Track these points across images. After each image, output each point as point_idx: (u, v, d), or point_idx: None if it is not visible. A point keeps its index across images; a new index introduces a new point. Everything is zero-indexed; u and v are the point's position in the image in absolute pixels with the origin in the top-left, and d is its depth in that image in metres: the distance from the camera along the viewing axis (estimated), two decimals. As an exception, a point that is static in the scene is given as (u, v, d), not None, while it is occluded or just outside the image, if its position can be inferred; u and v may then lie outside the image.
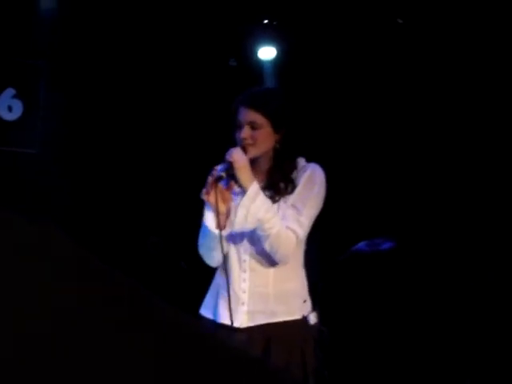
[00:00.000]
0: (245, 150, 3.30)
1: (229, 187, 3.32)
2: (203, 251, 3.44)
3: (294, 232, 3.25)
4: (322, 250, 5.01)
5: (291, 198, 3.32)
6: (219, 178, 3.22)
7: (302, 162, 3.41)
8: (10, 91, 5.53)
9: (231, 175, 3.29)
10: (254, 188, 3.24)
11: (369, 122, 5.79)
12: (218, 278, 3.44)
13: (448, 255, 4.69)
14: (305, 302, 3.34)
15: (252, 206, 3.22)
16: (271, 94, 3.42)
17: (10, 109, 5.51)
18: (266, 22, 5.78)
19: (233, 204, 3.37)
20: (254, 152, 3.33)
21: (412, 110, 5.69)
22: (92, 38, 5.61)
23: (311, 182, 3.33)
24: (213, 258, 3.43)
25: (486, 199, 5.39)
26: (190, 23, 5.68)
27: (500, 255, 5.12)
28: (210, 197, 3.27)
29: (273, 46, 5.84)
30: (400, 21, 5.65)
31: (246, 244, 3.35)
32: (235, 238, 3.36)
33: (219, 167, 3.28)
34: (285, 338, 3.24)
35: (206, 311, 3.40)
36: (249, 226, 3.27)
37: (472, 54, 5.44)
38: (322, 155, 5.80)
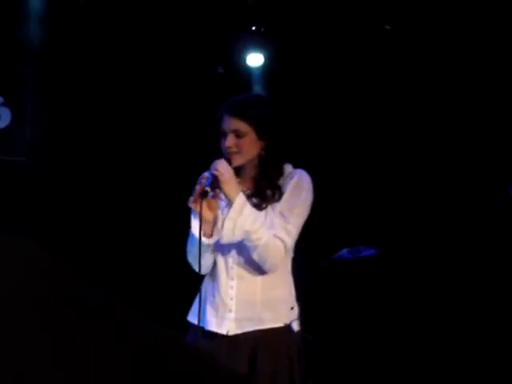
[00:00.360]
0: (230, 158, 3.31)
1: (215, 195, 3.32)
2: (191, 259, 3.45)
3: (283, 241, 3.25)
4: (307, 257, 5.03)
5: (279, 206, 3.32)
6: (205, 193, 3.22)
7: (288, 168, 3.41)
8: (-2, 99, 5.53)
9: (217, 187, 3.29)
10: (239, 200, 3.24)
11: (356, 128, 5.80)
12: (206, 285, 3.44)
13: (431, 261, 4.71)
14: (292, 308, 3.34)
15: (239, 219, 3.22)
16: (254, 101, 3.42)
17: (-2, 117, 5.51)
18: (253, 28, 5.79)
19: (220, 213, 3.37)
20: (239, 160, 3.33)
21: (398, 118, 5.70)
22: (80, 45, 5.60)
23: (298, 189, 3.33)
24: (201, 266, 3.43)
25: (468, 205, 5.40)
26: (177, 30, 5.68)
27: (484, 259, 5.14)
28: (196, 205, 3.27)
29: (261, 52, 5.84)
30: (388, 27, 5.66)
31: (233, 252, 3.35)
32: (223, 246, 3.36)
33: (206, 173, 3.28)
34: (272, 345, 3.24)
35: (193, 318, 3.40)
36: (236, 239, 3.27)
37: (468, 54, 5.46)
38: (306, 161, 5.81)
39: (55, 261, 0.77)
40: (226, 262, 3.36)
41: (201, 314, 3.36)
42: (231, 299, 3.31)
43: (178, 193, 4.30)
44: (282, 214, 3.30)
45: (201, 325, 3.34)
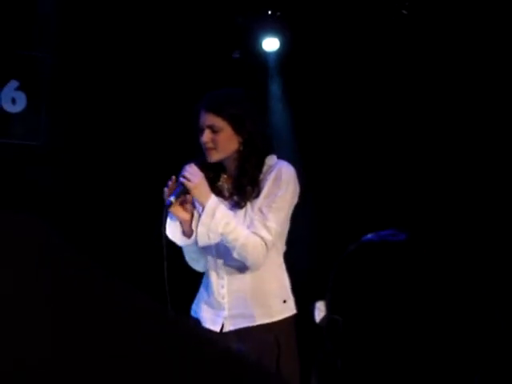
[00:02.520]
0: (207, 154, 3.29)
1: (186, 201, 3.32)
2: (188, 259, 3.47)
3: (262, 238, 3.23)
4: (331, 241, 5.00)
5: (258, 202, 3.30)
6: (169, 206, 3.22)
7: (271, 160, 3.36)
8: (14, 83, 5.52)
9: (187, 193, 3.28)
10: (211, 204, 3.23)
11: (377, 112, 5.77)
12: (203, 283, 3.47)
13: (461, 249, 4.67)
14: (285, 302, 3.34)
15: (212, 223, 3.21)
16: (231, 95, 3.38)
17: (13, 101, 5.51)
18: (269, 13, 5.76)
19: (196, 212, 3.36)
20: (216, 156, 3.31)
21: (420, 101, 5.67)
22: (96, 29, 5.60)
23: (276, 183, 3.29)
24: (198, 266, 3.47)
25: (497, 192, 5.37)
26: (192, 16, 5.67)
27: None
28: (174, 209, 3.29)
29: (276, 37, 5.82)
30: (405, 12, 5.63)
31: (220, 251, 3.36)
32: (210, 246, 3.36)
33: (173, 177, 3.27)
34: (261, 340, 3.25)
35: (193, 313, 3.44)
36: (212, 242, 3.27)
37: (473, 50, 5.42)
38: (327, 146, 5.81)
39: (60, 239, 0.76)
40: (215, 262, 3.38)
41: (198, 310, 3.40)
42: (223, 298, 3.34)
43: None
44: (260, 211, 3.28)
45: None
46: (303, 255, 3.49)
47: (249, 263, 3.26)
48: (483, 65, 5.44)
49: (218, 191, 3.36)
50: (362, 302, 1.22)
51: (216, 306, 3.35)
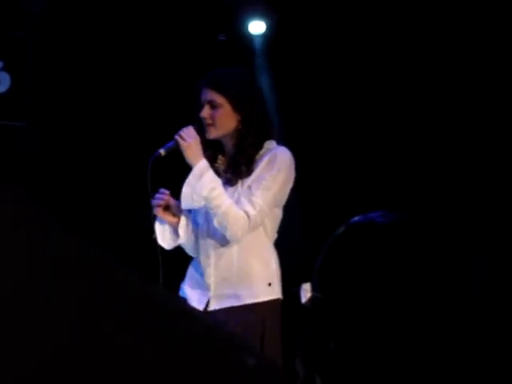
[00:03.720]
0: (205, 130, 3.31)
1: (173, 205, 3.35)
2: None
3: (246, 212, 3.25)
4: (319, 224, 5.01)
5: (248, 180, 3.31)
6: (156, 157, 3.24)
7: (270, 144, 3.38)
8: (-2, 64, 5.49)
9: (177, 150, 3.31)
10: (200, 165, 3.25)
11: (364, 94, 5.76)
12: (193, 262, 3.49)
13: (450, 230, 4.69)
14: (270, 285, 3.35)
15: (197, 185, 3.23)
16: (232, 73, 3.41)
17: (-3, 81, 5.48)
18: (255, -5, 5.74)
19: (183, 217, 3.41)
20: (214, 133, 3.33)
21: (409, 84, 5.67)
22: (81, 10, 5.56)
23: (270, 164, 3.30)
24: (191, 252, 3.50)
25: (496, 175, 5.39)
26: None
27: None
28: (162, 213, 3.32)
29: (262, 20, 5.80)
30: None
31: (208, 231, 3.37)
32: (198, 226, 3.39)
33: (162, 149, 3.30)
34: (246, 320, 3.26)
35: (181, 293, 3.46)
36: (195, 205, 3.28)
37: (471, 44, 5.43)
38: (314, 129, 5.79)
39: (44, 213, 0.75)
40: (203, 242, 3.39)
41: (185, 289, 3.42)
42: (209, 277, 3.35)
43: (179, 159, 4.25)
44: (249, 187, 3.29)
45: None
46: (291, 239, 3.49)
47: (228, 234, 3.28)
48: (476, 57, 5.44)
49: (213, 171, 3.37)
50: (351, 283, 1.22)
51: (203, 286, 3.37)
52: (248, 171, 3.32)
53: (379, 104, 5.72)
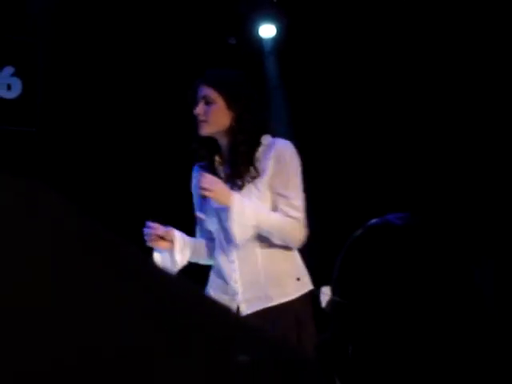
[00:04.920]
0: (198, 127, 3.32)
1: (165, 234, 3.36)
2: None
3: (295, 218, 3.25)
4: (336, 227, 5.00)
5: (264, 184, 3.30)
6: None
7: (266, 139, 3.37)
8: (9, 69, 5.50)
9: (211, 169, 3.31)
10: (236, 202, 3.24)
11: (375, 97, 5.76)
12: (213, 270, 3.47)
13: (467, 232, 4.68)
14: (298, 279, 3.34)
15: (243, 219, 3.22)
16: (228, 72, 3.46)
17: (9, 87, 5.49)
18: (266, -1, 5.75)
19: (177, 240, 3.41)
20: (207, 129, 3.33)
21: (417, 85, 5.66)
22: (91, 15, 5.57)
23: (282, 162, 3.30)
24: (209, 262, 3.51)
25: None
26: (189, 1, 5.64)
27: None
28: (156, 243, 3.33)
29: (273, 23, 5.80)
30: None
31: (224, 239, 3.36)
32: (218, 232, 3.38)
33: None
34: (280, 320, 3.25)
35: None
36: (250, 235, 3.28)
37: (473, 39, 5.42)
38: (325, 132, 5.78)
39: (60, 198, 0.75)
40: (223, 246, 3.37)
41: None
42: (236, 282, 3.33)
43: (186, 165, 4.25)
44: (279, 194, 3.28)
45: None
46: (309, 242, 3.48)
47: (292, 244, 3.30)
48: (474, 54, 5.43)
49: (214, 174, 3.37)
50: (370, 286, 1.21)
51: (230, 291, 3.35)
52: (250, 171, 3.31)
53: (391, 106, 5.71)
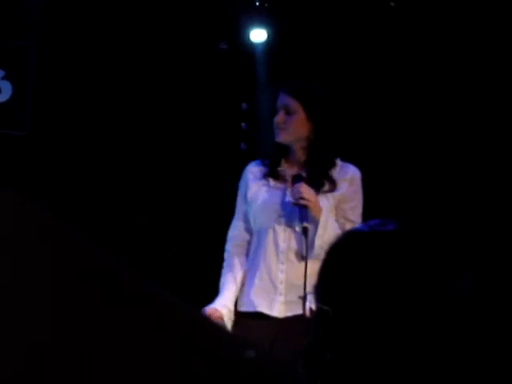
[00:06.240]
0: (277, 134, 3.37)
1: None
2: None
3: None
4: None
5: (335, 200, 3.39)
6: (305, 229, 3.27)
7: (337, 160, 3.48)
8: (-1, 73, 5.49)
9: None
10: (324, 217, 3.31)
11: (366, 102, 5.76)
12: (253, 267, 3.46)
13: (451, 238, 4.67)
14: None
15: (325, 235, 3.27)
16: (310, 83, 3.53)
17: (-1, 90, 5.48)
18: (257, 4, 5.75)
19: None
20: (285, 137, 3.40)
21: (409, 87, 5.67)
22: (82, 18, 5.57)
23: (355, 188, 3.48)
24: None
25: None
26: (180, 6, 5.64)
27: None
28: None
29: (264, 28, 5.80)
30: (392, 4, 5.62)
31: (286, 237, 3.38)
32: (274, 231, 3.39)
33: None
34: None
35: (246, 298, 3.43)
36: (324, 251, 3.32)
37: (472, 40, 5.42)
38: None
39: (45, 213, 0.75)
40: (277, 247, 3.38)
41: (243, 296, 3.40)
42: (281, 283, 3.37)
43: (182, 167, 4.28)
44: (346, 218, 3.42)
45: (244, 308, 3.37)
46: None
47: None
48: (472, 54, 5.44)
49: (277, 175, 3.41)
50: (351, 292, 1.21)
51: (271, 291, 3.38)
52: (325, 185, 3.39)
53: (380, 109, 5.71)
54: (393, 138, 5.68)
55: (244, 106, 5.62)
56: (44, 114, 5.56)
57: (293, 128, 3.38)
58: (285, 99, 3.40)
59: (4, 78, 5.50)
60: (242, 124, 5.42)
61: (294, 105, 3.38)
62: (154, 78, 5.73)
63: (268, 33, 5.82)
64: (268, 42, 5.86)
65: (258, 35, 5.83)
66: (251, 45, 5.87)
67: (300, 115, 3.38)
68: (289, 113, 3.38)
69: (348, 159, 3.52)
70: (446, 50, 5.51)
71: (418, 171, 5.58)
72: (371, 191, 5.53)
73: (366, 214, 3.45)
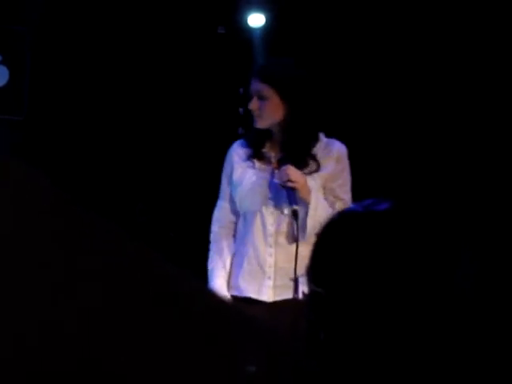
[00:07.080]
0: (254, 120, 3.34)
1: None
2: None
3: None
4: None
5: (322, 179, 3.33)
6: (296, 213, 3.24)
7: (322, 137, 3.44)
8: (-4, 58, 5.48)
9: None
10: (314, 199, 3.28)
11: (363, 86, 5.75)
12: (240, 250, 3.43)
13: (445, 218, 4.66)
14: None
15: (317, 215, 3.25)
16: (280, 64, 3.47)
17: (-5, 75, 5.46)
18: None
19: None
20: (262, 123, 3.37)
21: (407, 73, 5.65)
22: (80, 3, 5.55)
23: (341, 164, 3.42)
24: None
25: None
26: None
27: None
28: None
29: (262, 12, 5.78)
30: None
31: (274, 220, 3.36)
32: (262, 214, 3.37)
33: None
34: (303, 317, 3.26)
35: (234, 282, 3.42)
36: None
37: (473, 33, 5.41)
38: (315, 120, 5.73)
39: (50, 184, 0.74)
40: (266, 230, 3.36)
41: (232, 280, 3.38)
42: (269, 267, 3.34)
43: (179, 152, 4.27)
44: (337, 196, 3.36)
45: (232, 292, 3.35)
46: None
47: None
48: (470, 51, 5.43)
49: (262, 157, 3.39)
50: (345, 273, 1.20)
51: (259, 275, 3.35)
52: (309, 165, 3.35)
53: (376, 98, 5.70)
54: (387, 123, 5.67)
55: (241, 90, 5.60)
56: (41, 99, 5.55)
57: (267, 113, 3.35)
58: (256, 85, 3.36)
59: (1, 62, 5.48)
60: (240, 109, 5.40)
61: (266, 90, 3.34)
62: (151, 63, 5.72)
63: (266, 17, 5.80)
64: (266, 27, 5.83)
65: (256, 20, 5.80)
66: (249, 29, 5.85)
67: (273, 99, 3.34)
68: (262, 98, 3.34)
69: (338, 136, 3.49)
70: (443, 35, 5.50)
71: (414, 151, 5.57)
72: (361, 169, 5.55)
73: (356, 193, 3.44)
